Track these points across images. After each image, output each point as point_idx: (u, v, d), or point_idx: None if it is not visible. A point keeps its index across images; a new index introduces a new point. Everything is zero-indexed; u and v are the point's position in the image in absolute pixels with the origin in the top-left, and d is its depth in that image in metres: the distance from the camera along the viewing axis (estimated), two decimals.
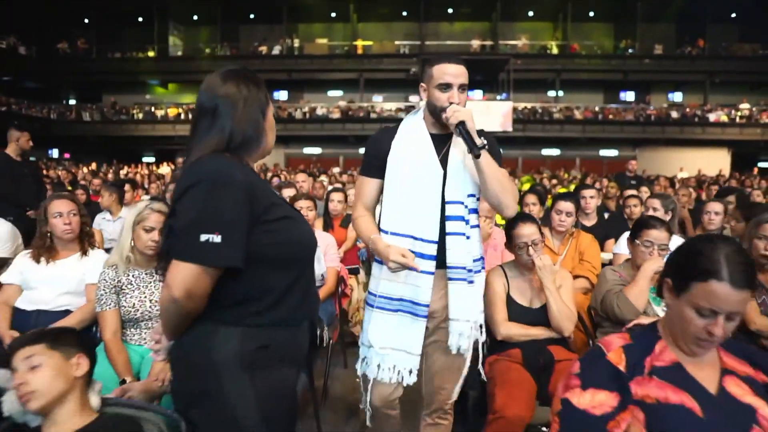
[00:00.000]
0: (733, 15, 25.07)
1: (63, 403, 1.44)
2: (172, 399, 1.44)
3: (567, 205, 3.29)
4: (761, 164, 25.02)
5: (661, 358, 1.26)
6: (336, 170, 17.38)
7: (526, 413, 1.98)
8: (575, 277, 3.16)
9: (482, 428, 2.14)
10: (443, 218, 1.97)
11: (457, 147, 1.99)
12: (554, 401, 1.31)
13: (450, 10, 25.91)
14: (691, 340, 1.23)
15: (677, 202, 5.39)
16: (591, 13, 25.73)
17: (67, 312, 2.51)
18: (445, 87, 1.92)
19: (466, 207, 1.99)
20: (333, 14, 26.26)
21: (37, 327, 2.38)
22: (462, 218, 1.97)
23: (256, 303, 1.31)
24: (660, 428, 1.16)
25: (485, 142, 1.88)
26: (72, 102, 27.11)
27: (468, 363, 2.09)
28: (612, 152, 24.74)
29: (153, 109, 25.82)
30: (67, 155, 26.49)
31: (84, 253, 2.63)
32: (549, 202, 4.46)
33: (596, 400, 1.21)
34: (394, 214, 2.00)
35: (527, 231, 2.42)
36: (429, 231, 1.95)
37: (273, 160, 23.04)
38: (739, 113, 24.15)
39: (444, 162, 1.98)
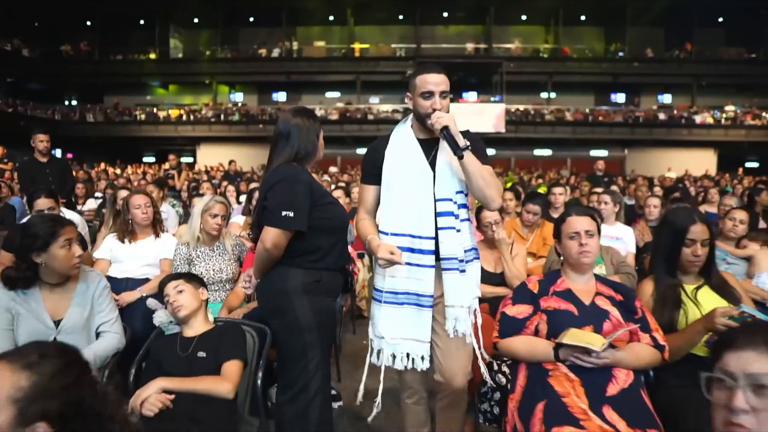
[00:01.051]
0: (720, 19, 25.55)
1: (196, 315, 2.24)
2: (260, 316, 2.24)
3: (534, 207, 4.16)
4: (748, 164, 25.82)
5: (560, 286, 2.07)
6: (333, 170, 18.02)
7: (488, 345, 2.75)
8: (539, 257, 3.94)
9: None
10: (435, 215, 2.11)
11: (444, 149, 2.13)
12: (497, 317, 2.10)
13: (445, 14, 26.40)
14: (576, 257, 2.07)
15: (640, 197, 6.22)
16: (582, 17, 26.20)
17: (147, 279, 3.27)
18: (428, 95, 2.08)
19: (455, 203, 2.13)
20: (331, 17, 26.71)
21: (127, 290, 3.16)
22: (452, 213, 2.11)
23: (312, 254, 2.11)
24: (554, 322, 1.96)
25: (468, 143, 2.02)
26: (74, 103, 27.57)
27: (471, 349, 2.23)
28: (602, 153, 25.12)
29: (155, 110, 26.34)
30: (69, 155, 27.01)
31: (157, 235, 3.41)
32: None
33: (519, 310, 2.04)
34: (392, 216, 2.16)
35: (490, 214, 3.23)
36: (426, 228, 2.10)
37: None
38: (724, 115, 24.79)
39: (433, 164, 2.14)
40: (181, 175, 10.52)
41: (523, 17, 26.63)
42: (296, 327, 2.06)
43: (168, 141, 26.00)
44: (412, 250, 2.10)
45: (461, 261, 2.12)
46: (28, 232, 2.03)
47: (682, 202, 4.05)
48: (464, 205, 2.18)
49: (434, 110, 2.06)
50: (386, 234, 2.15)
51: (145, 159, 27.00)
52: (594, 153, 24.87)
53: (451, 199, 2.13)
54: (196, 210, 3.10)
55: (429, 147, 2.17)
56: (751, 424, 1.01)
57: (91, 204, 7.32)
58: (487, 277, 3.13)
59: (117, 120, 26.22)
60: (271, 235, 2.01)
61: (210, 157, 24.25)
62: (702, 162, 23.78)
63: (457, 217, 2.13)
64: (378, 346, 2.19)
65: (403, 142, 2.21)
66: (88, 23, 26.78)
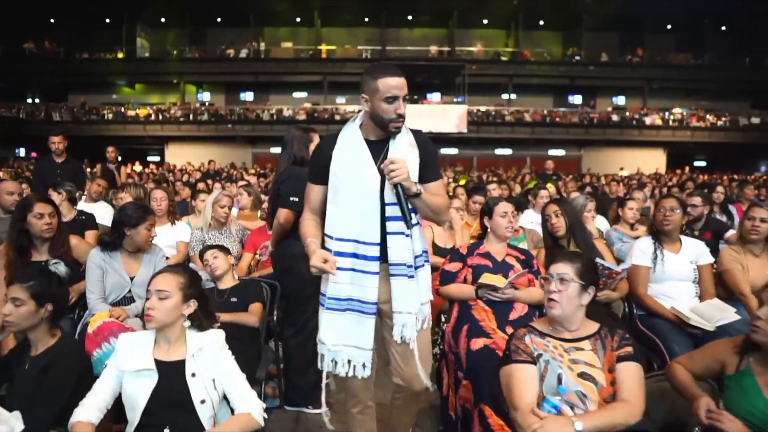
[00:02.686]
0: (669, 26, 27.02)
1: (227, 274, 3.02)
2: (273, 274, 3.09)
3: (479, 198, 4.95)
4: (696, 163, 27.29)
5: (482, 249, 2.92)
6: None
7: (440, 302, 3.59)
8: None
9: None
10: (384, 219, 2.06)
11: (395, 151, 2.06)
12: (439, 274, 2.95)
13: (410, 17, 27.03)
14: (503, 230, 2.89)
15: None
16: (541, 22, 27.30)
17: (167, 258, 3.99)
18: (392, 99, 1.98)
19: None
20: (298, 19, 27.15)
21: None
22: (401, 218, 2.03)
23: None
24: (476, 274, 2.79)
25: (420, 189, 2.02)
26: (37, 101, 27.20)
27: (430, 350, 2.30)
28: (560, 152, 26.25)
29: (123, 109, 26.19)
30: (34, 154, 26.66)
31: (173, 223, 4.14)
32: None
33: (453, 266, 2.89)
34: (337, 220, 2.07)
35: None
36: (371, 234, 2.04)
37: (241, 159, 24.12)
38: (672, 117, 26.16)
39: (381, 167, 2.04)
40: (121, 171, 8.95)
41: (485, 21, 27.48)
42: (301, 281, 2.89)
43: (136, 140, 25.93)
44: (356, 256, 2.05)
45: (410, 266, 2.08)
46: (125, 212, 2.83)
47: (592, 196, 5.10)
48: (414, 210, 2.11)
49: (399, 115, 2.02)
50: (331, 238, 2.09)
51: None
52: (552, 152, 25.72)
53: None
54: (208, 201, 3.88)
55: (378, 149, 2.08)
56: (558, 297, 1.97)
57: None
58: (439, 252, 3.99)
59: (84, 119, 25.88)
60: (283, 214, 2.87)
61: (178, 156, 24.41)
62: (652, 161, 25.15)
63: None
64: (320, 351, 2.13)
65: (351, 143, 2.11)
66: (52, 21, 26.40)
